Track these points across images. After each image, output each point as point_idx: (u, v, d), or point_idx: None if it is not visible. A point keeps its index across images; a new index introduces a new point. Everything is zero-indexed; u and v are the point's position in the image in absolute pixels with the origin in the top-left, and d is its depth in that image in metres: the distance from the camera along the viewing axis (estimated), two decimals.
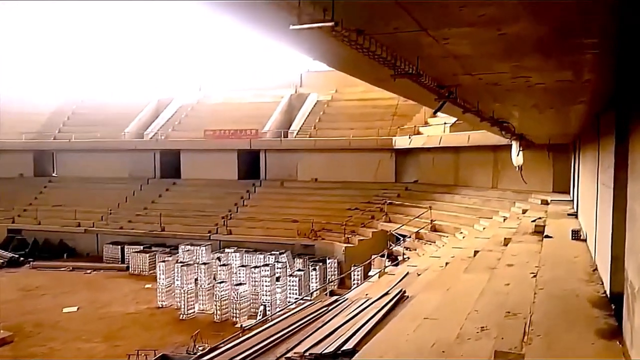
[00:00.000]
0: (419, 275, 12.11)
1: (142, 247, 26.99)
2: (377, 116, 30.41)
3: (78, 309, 19.50)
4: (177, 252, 24.25)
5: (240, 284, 18.26)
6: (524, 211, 17.27)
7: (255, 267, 18.90)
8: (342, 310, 9.51)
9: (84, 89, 38.83)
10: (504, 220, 17.63)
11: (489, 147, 21.12)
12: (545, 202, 17.36)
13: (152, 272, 23.57)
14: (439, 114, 25.87)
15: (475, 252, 11.77)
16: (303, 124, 32.18)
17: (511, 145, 15.73)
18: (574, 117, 7.80)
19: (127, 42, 46.49)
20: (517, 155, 13.37)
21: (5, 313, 18.42)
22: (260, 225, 26.81)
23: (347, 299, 11.11)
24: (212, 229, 27.38)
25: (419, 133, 26.91)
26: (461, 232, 19.19)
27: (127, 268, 25.75)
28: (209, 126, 32.59)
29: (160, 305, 19.70)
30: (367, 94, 32.08)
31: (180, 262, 20.20)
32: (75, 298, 20.65)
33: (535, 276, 7.28)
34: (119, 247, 27.65)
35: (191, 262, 20.70)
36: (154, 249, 26.70)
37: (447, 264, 12.27)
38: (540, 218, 13.89)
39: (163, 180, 33.91)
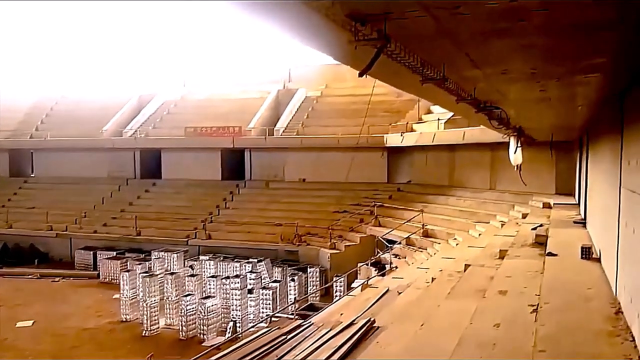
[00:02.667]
0: (399, 293, 10.29)
1: (115, 252, 25.18)
2: (369, 112, 28.51)
3: (33, 323, 17.69)
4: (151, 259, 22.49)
5: (209, 296, 16.44)
6: (524, 215, 15.47)
7: (227, 277, 17.06)
8: (297, 344, 7.70)
9: (64, 86, 37.05)
10: (502, 225, 15.82)
11: (487, 144, 19.28)
12: (547, 206, 15.55)
13: None
14: (433, 108, 24.04)
15: (466, 267, 9.97)
16: (290, 121, 30.33)
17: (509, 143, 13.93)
18: (584, 96, 5.94)
19: (109, 37, 44.76)
20: (515, 152, 11.52)
21: None
22: (242, 229, 25.01)
23: (312, 323, 9.29)
24: (190, 233, 25.56)
25: (412, 130, 25.07)
26: (455, 239, 17.37)
27: (99, 276, 23.94)
28: (192, 123, 30.78)
29: (124, 319, 17.89)
30: (358, 90, 30.22)
31: (144, 272, 18.35)
32: (33, 310, 18.84)
33: (535, 311, 5.46)
34: (91, 252, 25.87)
35: (156, 272, 18.88)
36: (127, 255, 24.91)
37: (433, 279, 10.45)
38: (541, 225, 12.06)
39: (143, 180, 32.09)
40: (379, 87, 30.22)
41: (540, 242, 9.92)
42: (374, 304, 9.68)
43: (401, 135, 23.93)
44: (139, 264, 21.11)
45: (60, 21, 44.19)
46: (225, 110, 32.02)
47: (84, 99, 35.76)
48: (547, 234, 10.15)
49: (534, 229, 11.66)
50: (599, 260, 7.07)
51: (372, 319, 7.34)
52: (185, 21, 44.73)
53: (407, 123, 25.20)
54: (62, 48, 37.64)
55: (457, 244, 16.57)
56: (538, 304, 5.61)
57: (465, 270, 9.81)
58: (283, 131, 29.56)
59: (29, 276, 24.45)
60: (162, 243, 24.99)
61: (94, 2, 38.75)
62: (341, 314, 11.10)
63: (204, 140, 29.62)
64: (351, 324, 7.39)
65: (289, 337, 8.42)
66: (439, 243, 17.63)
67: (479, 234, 16.42)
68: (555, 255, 7.38)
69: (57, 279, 24.01)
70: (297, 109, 31.16)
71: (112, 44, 41.00)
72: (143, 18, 46.91)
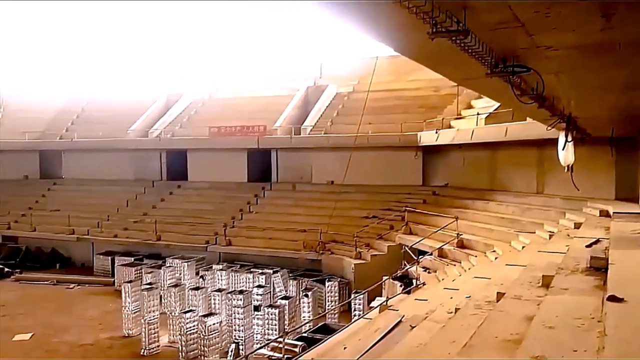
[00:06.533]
0: (412, 328, 8.20)
1: (133, 258, 23.96)
2: (403, 109, 26.29)
3: (32, 336, 16.51)
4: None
5: (211, 313, 14.70)
6: (577, 225, 12.93)
7: (231, 292, 15.30)
8: None
9: (93, 87, 36.42)
10: (549, 237, 13.35)
11: (533, 142, 16.80)
12: (605, 214, 12.96)
13: None
14: (474, 102, 21.53)
15: (499, 296, 7.79)
16: (319, 119, 28.39)
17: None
18: None
19: (139, 38, 44.12)
20: (564, 149, 9.18)
21: None
22: (263, 235, 23.29)
23: None
24: (210, 238, 24.05)
25: (449, 127, 22.64)
26: (493, 251, 14.96)
27: (114, 282, 22.74)
28: (218, 123, 29.34)
29: (126, 334, 16.45)
30: (393, 84, 28.09)
31: (145, 285, 16.83)
32: (35, 321, 17.72)
33: None
34: (109, 258, 24.79)
35: (164, 283, 17.35)
36: (145, 261, 23.65)
37: (456, 310, 8.30)
38: (598, 241, 9.64)
39: (169, 182, 30.96)
40: (415, 81, 28.24)
41: (598, 266, 7.56)
42: (377, 342, 7.63)
43: (436, 132, 21.56)
44: (150, 272, 19.72)
45: (89, 22, 43.95)
46: (253, 109, 30.46)
47: (113, 100, 34.97)
48: (607, 256, 7.80)
49: (589, 246, 9.28)
50: None
51: None
52: (215, 19, 43.60)
53: (443, 119, 22.77)
54: (92, 49, 37.11)
55: (495, 258, 14.20)
56: None
57: (497, 301, 7.65)
58: (311, 130, 27.66)
59: (47, 282, 23.58)
60: (181, 249, 23.65)
61: (123, 2, 38.10)
62: (344, 347, 9.10)
63: (228, 141, 28.12)
64: None
65: None
66: (475, 256, 15.27)
67: (522, 247, 14.00)
68: (621, 300, 5.04)
69: (71, 285, 23.02)
70: (327, 107, 29.19)
71: (141, 45, 40.22)
72: (171, 18, 46.13)
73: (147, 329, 14.92)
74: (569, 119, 8.20)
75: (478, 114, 20.08)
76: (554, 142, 12.92)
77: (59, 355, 14.85)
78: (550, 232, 13.89)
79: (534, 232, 14.71)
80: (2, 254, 27.14)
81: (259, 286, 16.21)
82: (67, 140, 33.02)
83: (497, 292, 7.93)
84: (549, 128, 9.20)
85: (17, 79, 35.85)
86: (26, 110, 34.81)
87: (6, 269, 24.88)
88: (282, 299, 15.58)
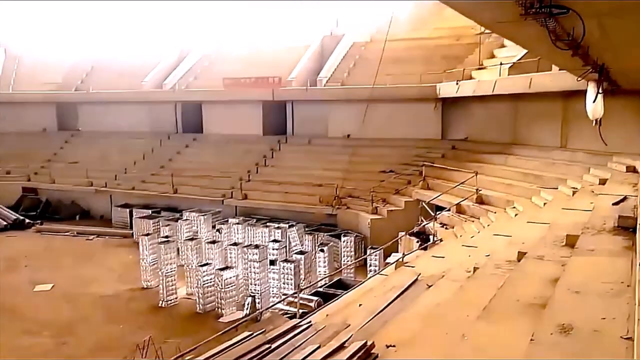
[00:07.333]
0: (428, 287, 8.03)
1: (150, 211, 24.13)
2: (422, 59, 25.43)
3: (52, 287, 16.85)
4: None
5: (227, 267, 14.77)
6: (602, 182, 12.49)
7: (247, 246, 15.30)
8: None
9: (108, 39, 35.82)
10: (573, 193, 12.95)
11: (558, 93, 16.17)
12: (632, 170, 12.51)
13: None
14: (497, 52, 20.64)
15: (520, 255, 7.54)
16: (335, 70, 27.67)
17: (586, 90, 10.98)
18: None
19: None
20: (594, 102, 8.67)
21: None
22: (279, 189, 23.17)
23: (310, 325, 7.26)
24: (226, 192, 24.03)
25: (470, 78, 21.87)
26: (514, 207, 14.62)
27: (133, 235, 23.01)
28: (232, 75, 28.81)
29: (145, 286, 16.70)
30: (412, 33, 27.12)
31: (162, 237, 16.92)
32: (56, 273, 18.03)
33: None
34: (127, 210, 25.02)
35: (180, 236, 17.43)
36: (163, 213, 23.81)
37: (475, 269, 8.08)
38: (625, 198, 9.26)
39: (185, 135, 30.84)
40: (436, 29, 27.20)
41: (626, 226, 7.24)
42: (392, 301, 7.49)
43: (456, 83, 20.85)
44: (167, 225, 19.83)
45: None
46: (267, 61, 29.76)
47: (126, 53, 34.48)
48: (636, 215, 7.45)
49: (616, 203, 8.94)
50: None
51: (368, 344, 5.17)
52: None
53: (464, 70, 21.96)
54: (104, 2, 36.12)
55: (516, 215, 13.87)
56: None
57: (518, 261, 7.41)
58: (327, 82, 27.02)
59: (67, 233, 23.95)
60: (197, 202, 23.72)
61: None
62: (359, 305, 9.02)
63: (242, 92, 27.66)
64: (342, 346, 5.26)
65: (272, 346, 6.43)
66: (495, 212, 14.96)
67: (544, 203, 13.63)
68: None
69: (91, 237, 23.36)
70: (343, 57, 28.39)
71: None
72: None
73: (164, 281, 15.08)
74: (601, 70, 7.66)
75: (501, 64, 19.27)
76: (581, 94, 12.34)
77: (80, 306, 15.14)
78: (573, 188, 13.48)
79: (557, 188, 14.29)
80: (23, 205, 27.56)
81: (275, 240, 16.18)
82: (82, 92, 32.88)
83: (518, 252, 7.68)
84: (579, 79, 8.66)
85: (32, 31, 35.41)
86: (42, 63, 34.62)
87: (27, 220, 25.28)
88: (297, 253, 15.56)
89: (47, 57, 34.96)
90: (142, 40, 34.64)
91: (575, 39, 4.48)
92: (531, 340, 3.72)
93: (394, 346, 5.35)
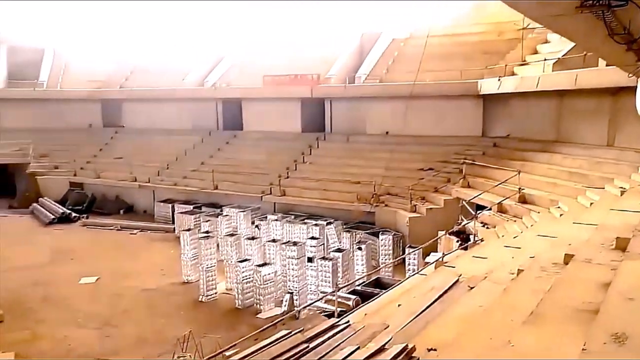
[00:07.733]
0: (470, 288, 7.91)
1: (192, 206, 24.62)
2: (463, 55, 24.98)
3: (97, 280, 17.41)
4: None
5: (265, 263, 14.93)
6: None
7: (285, 243, 15.42)
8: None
9: (150, 39, 36.55)
10: (621, 194, 12.51)
11: (605, 90, 15.63)
12: None
13: None
14: (540, 47, 20.09)
15: (567, 258, 7.32)
16: (374, 67, 27.51)
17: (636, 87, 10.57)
18: None
19: None
20: None
21: (19, 281, 16.77)
22: (317, 187, 23.25)
23: (349, 324, 7.26)
24: (265, 189, 24.27)
25: (513, 74, 21.37)
26: (558, 207, 14.23)
27: (175, 230, 23.52)
28: (271, 72, 29.02)
29: (186, 281, 17.06)
30: (452, 29, 26.67)
31: (202, 233, 17.23)
32: (101, 266, 18.60)
33: None
34: (169, 205, 25.60)
35: (219, 231, 17.69)
36: (204, 209, 24.25)
37: (519, 272, 7.90)
38: None
39: (226, 132, 31.29)
40: (476, 25, 26.68)
41: None
42: (433, 303, 7.40)
43: (498, 80, 20.41)
44: (208, 221, 20.18)
45: None
46: (307, 58, 29.81)
47: (169, 52, 35.20)
48: None
49: None
50: None
51: (409, 347, 5.13)
52: None
53: (506, 66, 21.47)
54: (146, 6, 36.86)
55: (560, 215, 13.50)
56: None
57: (565, 264, 7.20)
58: (365, 78, 26.90)
59: (111, 227, 24.68)
60: (237, 198, 24.05)
61: None
62: (398, 305, 8.96)
63: (281, 90, 27.85)
64: (382, 348, 5.24)
65: (310, 345, 6.47)
66: (538, 212, 14.58)
67: (590, 203, 13.21)
68: None
69: (135, 231, 24.00)
70: (382, 54, 28.18)
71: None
72: None
73: (204, 276, 15.36)
74: None
75: (545, 59, 18.75)
76: (630, 90, 11.89)
77: (124, 299, 15.58)
78: (621, 188, 13.02)
79: (604, 188, 13.82)
80: (70, 200, 28.54)
81: (312, 238, 16.26)
82: (127, 89, 33.82)
83: (565, 254, 7.45)
84: (631, 75, 8.34)
85: (79, 33, 36.52)
86: (88, 63, 35.80)
87: (74, 215, 26.18)
88: (335, 251, 15.57)
89: (92, 57, 36.10)
90: (183, 40, 35.24)
91: (631, 33, 4.30)
92: (583, 349, 3.60)
93: (435, 350, 5.29)
